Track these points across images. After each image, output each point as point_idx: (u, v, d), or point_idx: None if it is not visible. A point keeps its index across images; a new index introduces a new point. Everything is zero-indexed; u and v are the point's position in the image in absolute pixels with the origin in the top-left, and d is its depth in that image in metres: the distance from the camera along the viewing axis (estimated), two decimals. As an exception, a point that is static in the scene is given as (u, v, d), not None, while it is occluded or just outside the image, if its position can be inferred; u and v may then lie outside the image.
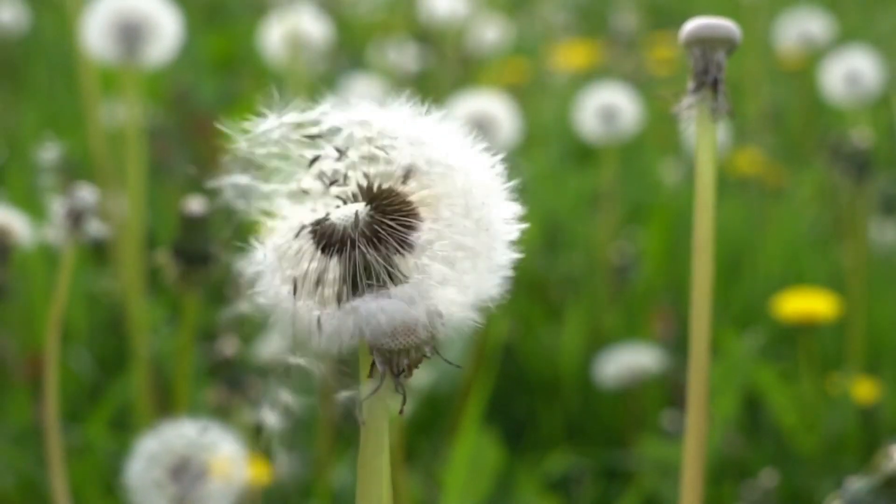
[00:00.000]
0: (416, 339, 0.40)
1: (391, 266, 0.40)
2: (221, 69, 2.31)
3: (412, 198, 0.41)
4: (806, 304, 1.28)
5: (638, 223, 1.66)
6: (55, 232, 0.76)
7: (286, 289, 0.41)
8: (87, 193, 0.76)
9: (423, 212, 0.41)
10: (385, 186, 0.41)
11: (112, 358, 1.37)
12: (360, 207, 0.41)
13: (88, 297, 1.41)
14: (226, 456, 0.80)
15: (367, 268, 0.40)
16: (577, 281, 1.54)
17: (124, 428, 1.20)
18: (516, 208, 0.41)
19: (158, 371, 1.26)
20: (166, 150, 1.82)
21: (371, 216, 0.41)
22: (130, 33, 1.21)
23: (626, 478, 1.23)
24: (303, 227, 0.42)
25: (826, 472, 1.21)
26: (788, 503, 1.19)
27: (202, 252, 0.90)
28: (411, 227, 0.41)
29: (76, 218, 0.76)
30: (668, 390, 1.33)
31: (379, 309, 0.39)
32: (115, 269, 1.42)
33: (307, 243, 0.41)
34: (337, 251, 0.41)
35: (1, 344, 1.29)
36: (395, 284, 0.40)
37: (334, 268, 0.41)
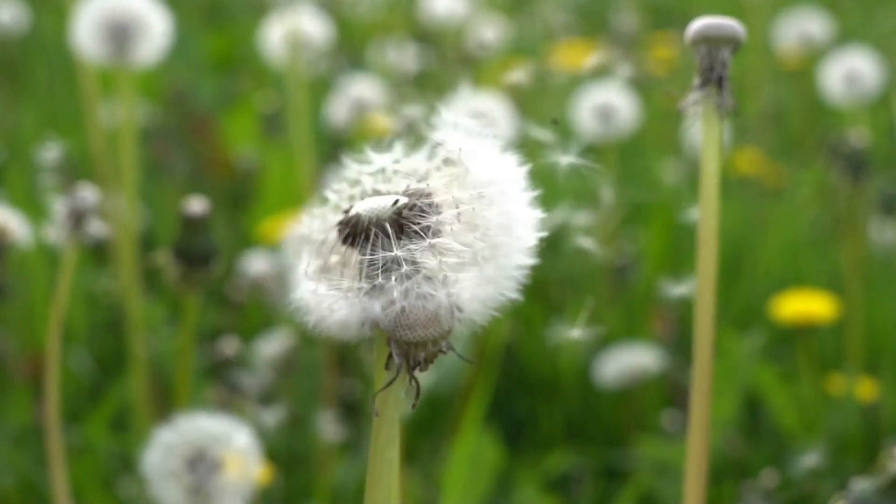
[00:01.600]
0: (435, 331, 0.40)
1: (413, 259, 0.40)
2: (221, 69, 2.31)
3: (437, 195, 0.42)
4: (805, 304, 1.28)
5: (638, 223, 1.66)
6: (56, 232, 0.76)
7: (309, 278, 0.42)
8: (88, 193, 0.76)
9: (446, 209, 0.42)
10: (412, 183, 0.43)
11: (112, 358, 1.37)
12: (385, 200, 0.41)
13: (88, 297, 1.41)
14: (240, 449, 0.81)
15: (389, 259, 0.40)
16: (577, 281, 1.54)
17: (124, 428, 1.20)
18: (537, 214, 0.42)
19: (158, 371, 1.26)
20: (166, 150, 1.82)
21: (396, 209, 0.41)
22: (119, 33, 1.21)
23: (626, 478, 1.23)
24: (331, 219, 0.43)
25: (826, 472, 1.21)
26: (788, 503, 1.19)
27: (202, 252, 0.90)
28: (435, 224, 0.41)
29: (78, 218, 0.76)
30: (668, 390, 1.33)
31: (398, 299, 0.40)
32: (114, 269, 1.42)
33: (333, 234, 0.42)
34: (360, 242, 0.41)
35: (1, 344, 1.29)
36: (416, 277, 0.40)
37: (356, 258, 0.41)
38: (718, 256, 0.53)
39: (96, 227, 0.77)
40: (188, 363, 0.97)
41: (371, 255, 0.41)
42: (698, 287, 0.52)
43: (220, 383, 1.00)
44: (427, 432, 1.28)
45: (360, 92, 1.71)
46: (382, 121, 1.70)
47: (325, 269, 0.42)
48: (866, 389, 1.26)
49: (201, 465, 0.81)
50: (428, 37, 2.35)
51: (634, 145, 1.84)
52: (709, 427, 0.51)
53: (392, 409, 0.42)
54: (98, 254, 1.50)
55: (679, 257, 1.51)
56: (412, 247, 0.41)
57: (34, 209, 1.18)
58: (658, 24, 2.68)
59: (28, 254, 1.31)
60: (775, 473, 1.02)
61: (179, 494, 0.80)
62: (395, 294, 0.40)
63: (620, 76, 1.84)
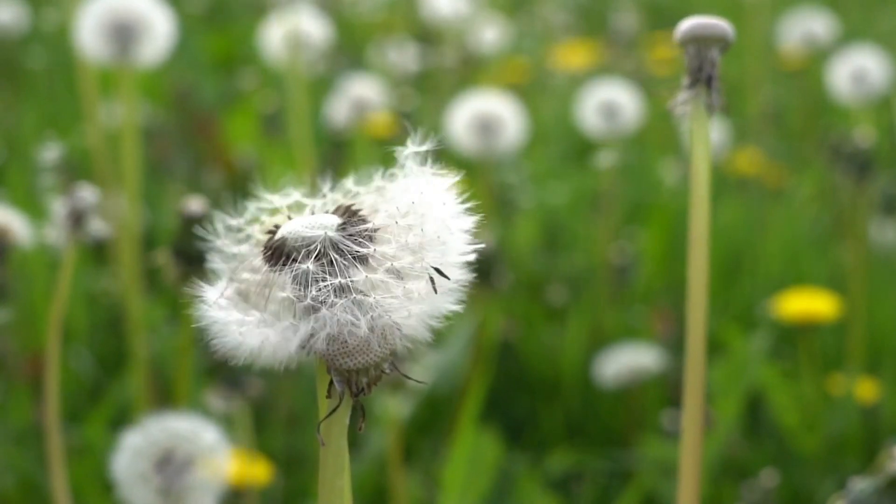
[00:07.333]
0: (376, 356, 0.38)
1: (342, 283, 0.38)
2: (222, 69, 2.31)
3: (369, 217, 0.40)
4: (806, 304, 1.28)
5: (638, 223, 1.66)
6: (56, 232, 0.76)
7: (234, 303, 0.39)
8: (87, 194, 0.76)
9: (378, 228, 0.40)
10: (343, 204, 0.41)
11: (112, 358, 1.36)
12: (313, 221, 0.39)
13: (88, 297, 1.41)
14: (209, 447, 0.81)
15: (317, 284, 0.38)
16: (577, 281, 1.54)
17: (124, 428, 1.20)
18: (471, 222, 0.40)
19: (158, 371, 1.26)
20: (166, 150, 1.82)
21: (324, 231, 0.39)
22: (123, 33, 1.21)
23: (626, 477, 1.23)
24: (257, 243, 0.41)
25: (827, 472, 1.21)
26: (789, 503, 1.19)
27: (202, 252, 0.90)
28: (367, 244, 0.39)
29: (77, 218, 0.76)
30: (668, 390, 1.33)
31: (328, 325, 0.38)
32: (114, 268, 1.42)
33: (256, 257, 0.40)
34: (285, 265, 0.39)
35: (1, 344, 1.29)
36: (347, 301, 0.38)
37: (280, 282, 0.39)
38: (718, 257, 0.53)
39: (96, 227, 0.77)
40: (188, 363, 0.97)
41: (297, 279, 0.38)
42: (691, 286, 0.52)
43: (220, 383, 1.00)
44: (427, 432, 1.28)
45: (360, 92, 1.71)
46: (382, 120, 1.70)
47: (244, 294, 0.40)
48: (867, 389, 1.26)
49: (169, 465, 0.80)
50: (428, 37, 2.35)
51: (634, 145, 1.84)
52: (704, 427, 0.51)
53: (338, 438, 0.40)
54: (98, 254, 1.50)
55: (679, 257, 1.51)
56: (342, 270, 0.38)
57: (34, 209, 1.18)
58: (658, 24, 2.68)
59: (28, 254, 1.31)
60: (775, 473, 1.02)
61: (150, 497, 0.80)
62: (325, 320, 0.38)
63: (621, 76, 1.84)
